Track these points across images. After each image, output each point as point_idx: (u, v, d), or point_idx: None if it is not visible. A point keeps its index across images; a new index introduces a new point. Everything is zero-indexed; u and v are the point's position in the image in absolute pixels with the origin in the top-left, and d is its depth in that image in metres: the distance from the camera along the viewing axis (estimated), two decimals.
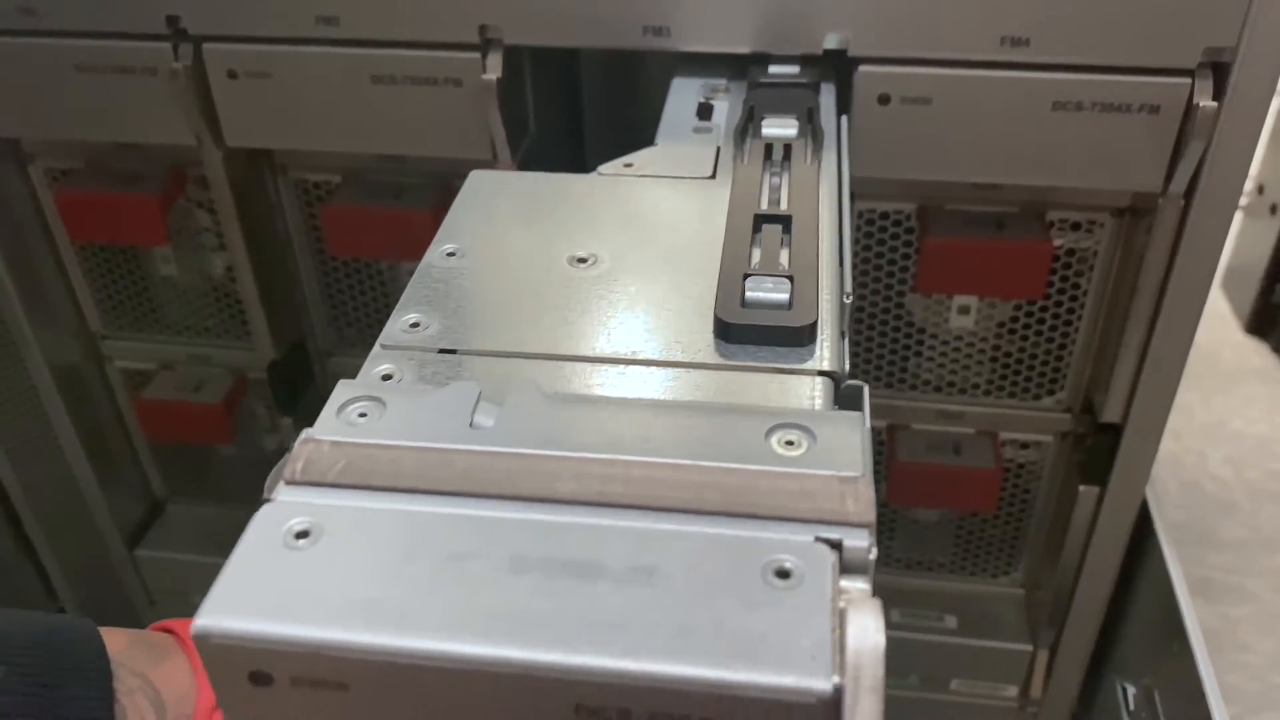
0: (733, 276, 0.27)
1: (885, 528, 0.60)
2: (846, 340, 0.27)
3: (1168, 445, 0.54)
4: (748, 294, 0.27)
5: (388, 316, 0.27)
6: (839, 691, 0.17)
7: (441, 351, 0.26)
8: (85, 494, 0.64)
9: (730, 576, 0.19)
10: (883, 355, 0.54)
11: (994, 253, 0.46)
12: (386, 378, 0.25)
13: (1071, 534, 0.54)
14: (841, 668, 0.17)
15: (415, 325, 0.27)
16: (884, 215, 0.49)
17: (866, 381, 0.54)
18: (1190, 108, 0.40)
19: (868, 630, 0.17)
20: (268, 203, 0.54)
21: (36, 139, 0.53)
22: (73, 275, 0.58)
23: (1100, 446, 0.50)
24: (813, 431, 0.22)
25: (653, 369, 0.25)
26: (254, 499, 0.21)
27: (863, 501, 0.20)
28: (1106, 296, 0.50)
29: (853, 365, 0.54)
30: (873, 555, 0.19)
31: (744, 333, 0.26)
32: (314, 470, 0.21)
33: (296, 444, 0.22)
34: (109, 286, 0.59)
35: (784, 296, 0.27)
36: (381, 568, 0.19)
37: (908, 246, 0.50)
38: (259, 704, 0.19)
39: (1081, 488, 0.52)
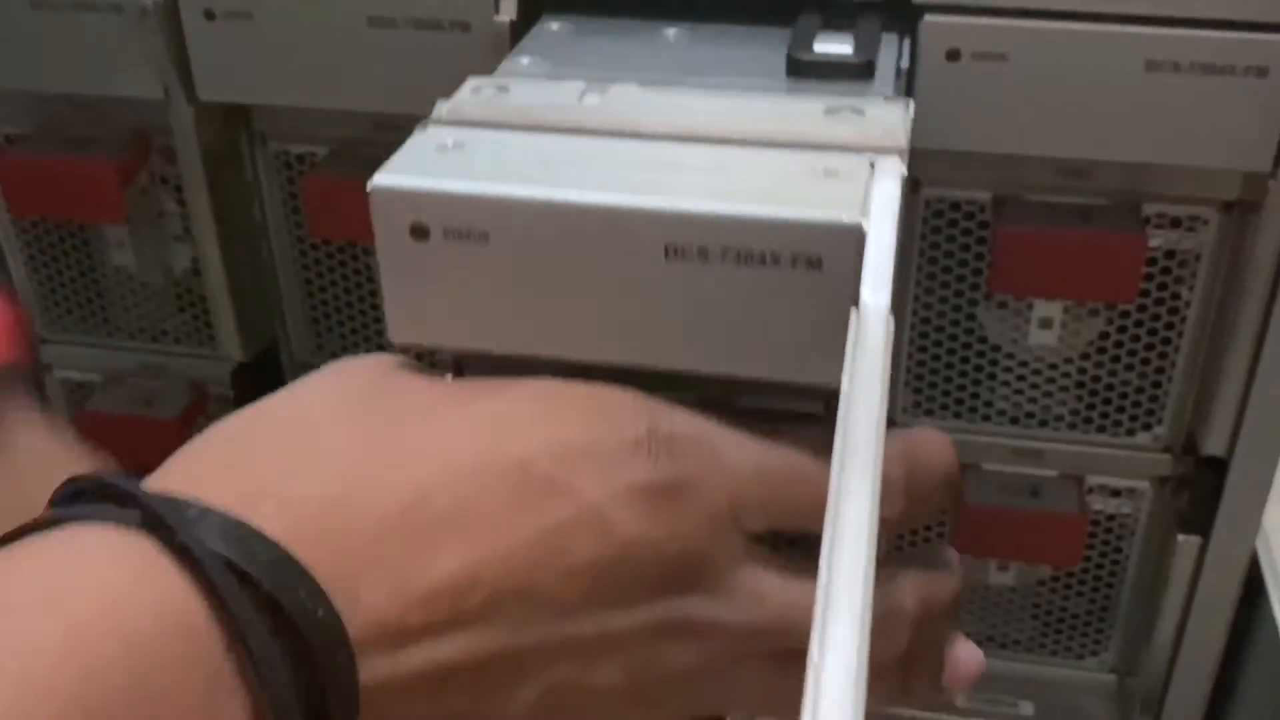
0: (805, 31, 0.42)
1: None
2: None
3: None
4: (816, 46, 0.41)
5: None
6: (862, 229, 0.28)
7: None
8: None
9: (789, 172, 0.31)
10: (950, 379, 0.55)
11: (1079, 246, 0.48)
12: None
13: (1169, 596, 0.54)
14: (866, 214, 0.29)
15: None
16: (954, 206, 0.51)
17: (931, 410, 0.55)
18: None
19: (887, 188, 0.30)
20: (243, 180, 0.56)
21: None
22: (13, 265, 0.60)
23: (1203, 485, 0.51)
24: (863, 110, 0.35)
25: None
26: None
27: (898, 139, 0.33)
28: (1213, 309, 0.51)
29: (915, 390, 0.55)
30: (904, 171, 0.31)
31: (813, 69, 0.40)
32: (456, 115, 0.35)
33: (435, 107, 0.35)
34: (54, 279, 0.61)
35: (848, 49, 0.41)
36: (519, 159, 0.32)
37: (981, 245, 0.51)
38: (418, 256, 0.30)
39: (1180, 538, 0.53)
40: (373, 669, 0.26)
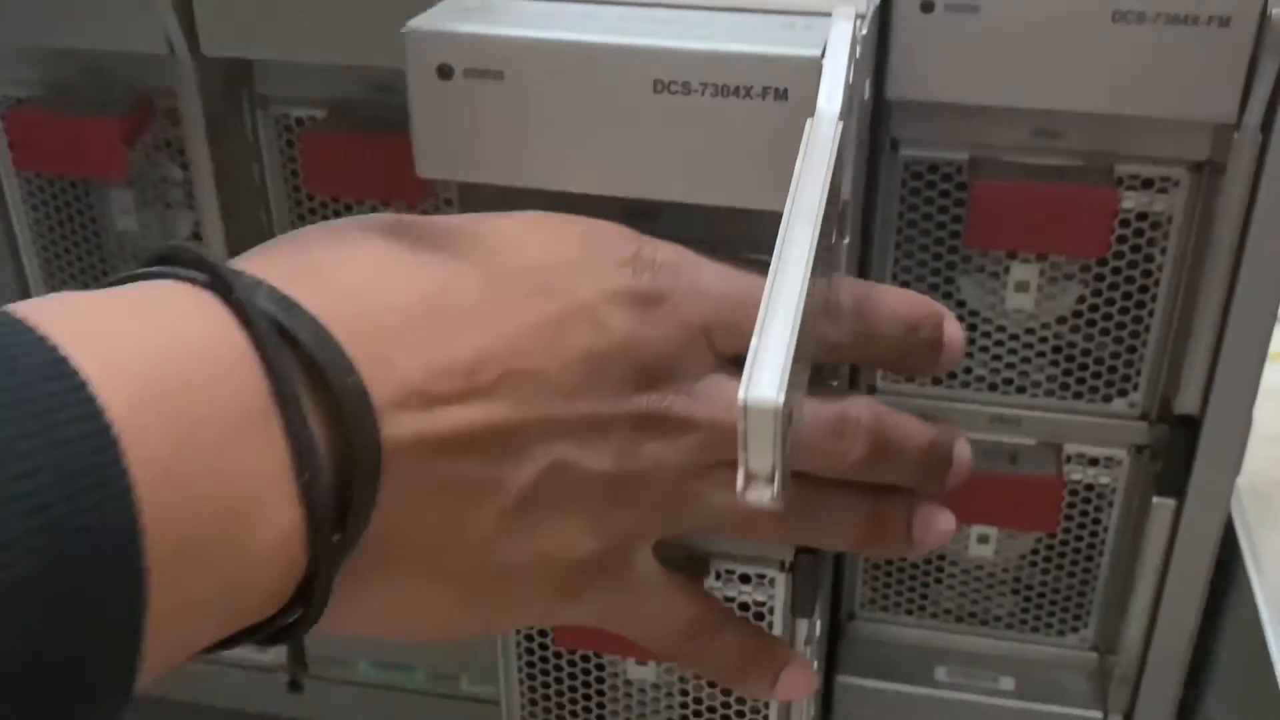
0: None
1: (934, 572, 0.61)
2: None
3: (1262, 452, 0.55)
4: None
5: None
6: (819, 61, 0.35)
7: None
8: None
9: (762, 25, 0.37)
10: None
11: (1052, 198, 0.49)
12: None
13: (1146, 561, 0.55)
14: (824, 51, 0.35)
15: None
16: (932, 168, 0.52)
17: (906, 380, 0.56)
18: (1264, 19, 0.44)
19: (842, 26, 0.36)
20: (244, 143, 0.57)
21: None
22: (18, 228, 0.62)
23: (1177, 445, 0.52)
24: None
25: None
26: None
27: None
28: (1184, 272, 0.52)
29: None
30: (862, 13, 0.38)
31: None
32: None
33: None
34: (58, 243, 0.62)
35: None
36: (531, 14, 0.38)
37: (959, 207, 0.52)
38: (443, 95, 0.37)
39: (1156, 500, 0.53)
40: (399, 428, 0.31)
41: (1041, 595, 0.61)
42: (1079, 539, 0.59)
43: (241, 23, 0.51)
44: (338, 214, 0.59)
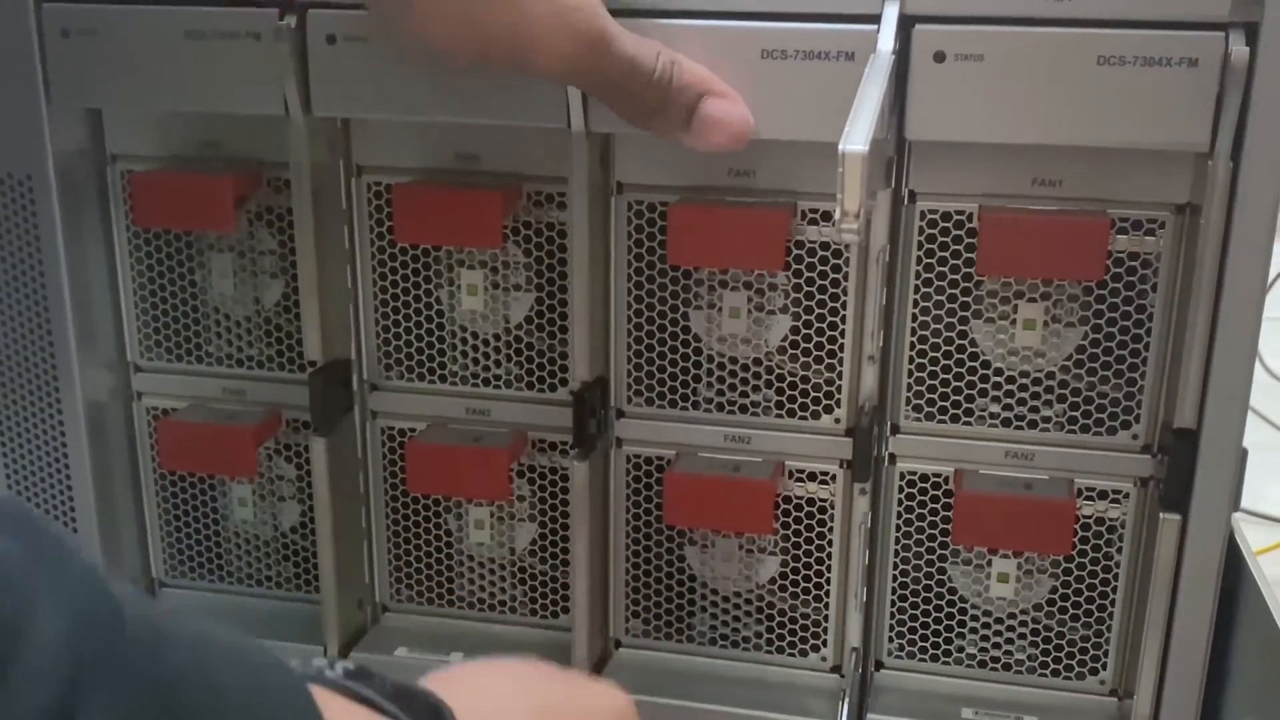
0: None
1: (957, 617, 0.65)
2: None
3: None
4: None
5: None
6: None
7: None
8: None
9: None
10: (947, 394, 0.61)
11: (1053, 227, 0.56)
12: None
13: (1156, 581, 0.58)
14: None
15: None
16: (945, 216, 0.59)
17: (930, 420, 0.61)
18: (1226, 59, 0.51)
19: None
20: (337, 209, 0.65)
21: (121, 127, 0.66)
22: (123, 284, 0.68)
23: (1179, 456, 0.57)
24: None
25: None
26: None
27: None
28: (1175, 308, 0.58)
29: (913, 403, 0.62)
30: None
31: None
32: None
33: None
34: (157, 303, 0.69)
35: None
36: None
37: (970, 252, 0.59)
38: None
39: (1163, 516, 0.58)
40: None
41: (1060, 639, 0.64)
42: (1093, 575, 0.63)
43: (349, 86, 0.60)
44: (417, 271, 0.66)
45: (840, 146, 0.43)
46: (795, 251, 0.60)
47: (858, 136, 0.44)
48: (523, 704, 0.44)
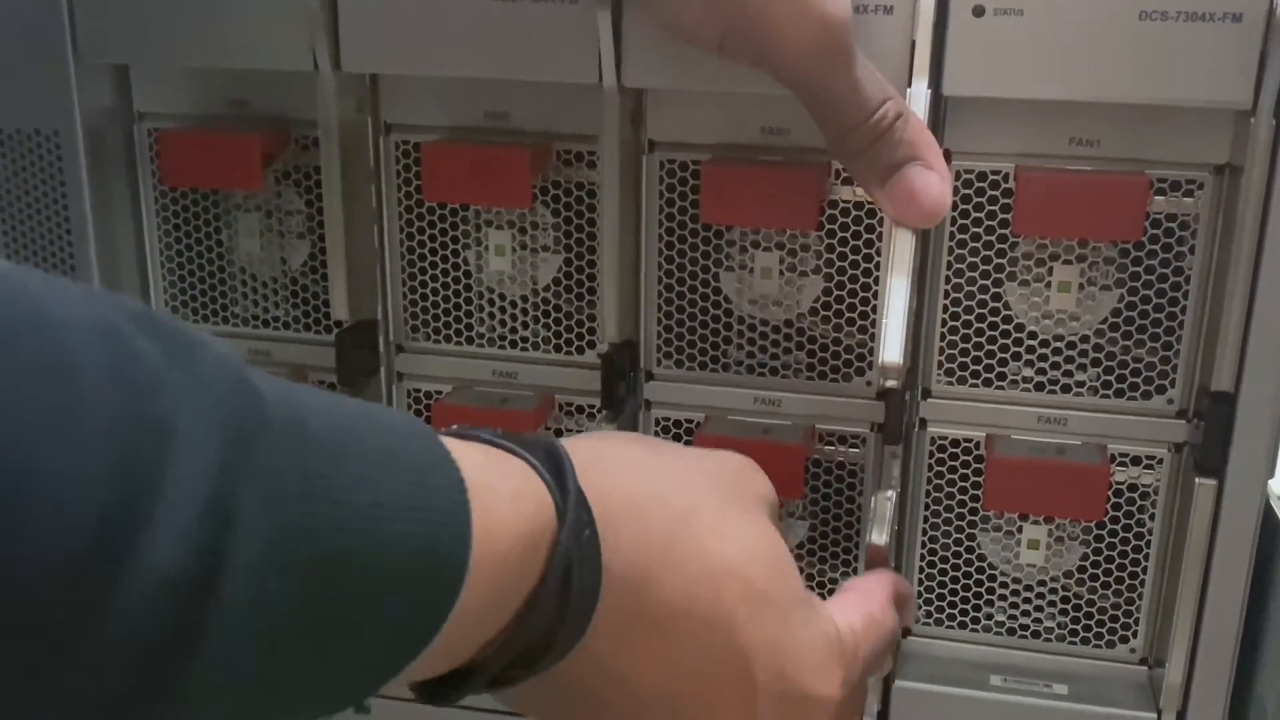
0: None
1: (986, 584, 0.64)
2: None
3: None
4: None
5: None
6: None
7: None
8: None
9: None
10: (979, 357, 0.61)
11: (1090, 186, 0.55)
12: None
13: (1191, 548, 0.58)
14: None
15: None
16: (981, 176, 0.58)
17: (960, 383, 0.61)
18: (1271, 14, 0.51)
19: None
20: (365, 168, 0.64)
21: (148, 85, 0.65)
22: (149, 244, 0.68)
23: (1215, 420, 0.56)
24: None
25: None
26: None
27: None
28: (1212, 270, 0.57)
29: (945, 366, 0.61)
30: None
31: None
32: None
33: None
34: (184, 262, 0.69)
35: None
36: None
37: (1006, 213, 0.58)
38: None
39: (1198, 481, 0.57)
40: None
41: (1090, 607, 0.64)
42: (1125, 542, 0.62)
43: (379, 43, 0.59)
44: (444, 232, 0.65)
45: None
46: (829, 211, 0.60)
47: None
48: (639, 450, 0.45)
